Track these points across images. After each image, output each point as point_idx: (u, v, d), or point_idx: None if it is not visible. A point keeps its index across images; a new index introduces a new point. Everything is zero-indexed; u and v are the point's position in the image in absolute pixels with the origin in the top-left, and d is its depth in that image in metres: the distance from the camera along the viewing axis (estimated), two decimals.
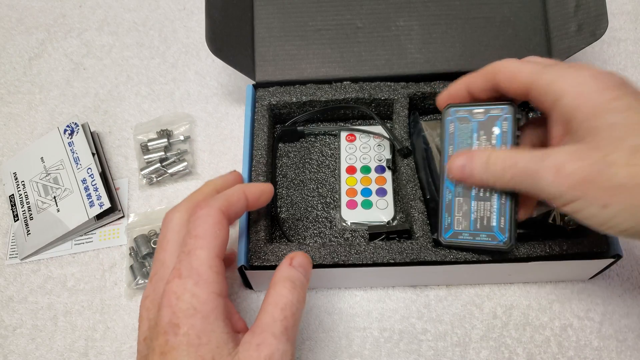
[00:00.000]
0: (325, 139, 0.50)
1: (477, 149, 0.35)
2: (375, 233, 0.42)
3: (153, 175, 0.50)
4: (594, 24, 0.46)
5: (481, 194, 0.35)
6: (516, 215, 0.34)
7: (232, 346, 0.28)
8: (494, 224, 0.35)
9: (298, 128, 0.49)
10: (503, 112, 0.34)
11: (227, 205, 0.32)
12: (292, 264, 0.32)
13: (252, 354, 0.27)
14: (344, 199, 0.45)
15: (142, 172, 0.50)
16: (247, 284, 0.42)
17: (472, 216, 0.35)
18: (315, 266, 0.38)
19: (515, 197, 0.34)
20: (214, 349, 0.27)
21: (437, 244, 0.39)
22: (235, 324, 0.30)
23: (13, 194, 0.50)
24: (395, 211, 0.44)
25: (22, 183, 0.50)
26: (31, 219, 0.48)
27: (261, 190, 0.35)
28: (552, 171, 0.28)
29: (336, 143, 0.49)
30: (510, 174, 0.31)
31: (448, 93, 0.37)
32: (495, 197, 0.34)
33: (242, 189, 0.34)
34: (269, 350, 0.28)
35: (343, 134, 0.49)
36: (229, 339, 0.28)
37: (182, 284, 0.28)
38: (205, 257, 0.29)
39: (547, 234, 0.39)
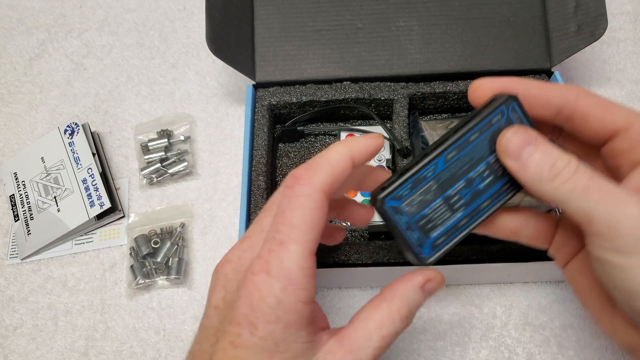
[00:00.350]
0: (325, 139, 0.50)
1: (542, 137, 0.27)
2: (375, 233, 0.42)
3: (153, 175, 0.50)
4: (593, 24, 0.46)
5: (455, 201, 0.29)
6: (457, 242, 0.29)
7: (311, 354, 0.25)
8: (433, 235, 0.29)
9: (298, 128, 0.49)
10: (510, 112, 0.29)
11: (332, 182, 0.26)
12: (424, 288, 0.28)
13: None
14: None
15: (143, 172, 0.50)
16: None
17: (424, 210, 0.28)
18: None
19: (475, 225, 0.29)
20: (291, 358, 0.24)
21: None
22: (319, 323, 0.28)
23: (13, 194, 0.50)
24: None
25: (23, 183, 0.50)
26: (31, 219, 0.48)
27: (372, 148, 0.28)
28: (633, 204, 0.23)
29: None
30: (578, 194, 0.24)
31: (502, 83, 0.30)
32: (459, 214, 0.29)
33: (349, 152, 0.27)
34: None
35: (343, 134, 0.49)
36: (309, 348, 0.25)
37: (268, 284, 0.24)
38: (299, 256, 0.24)
39: None
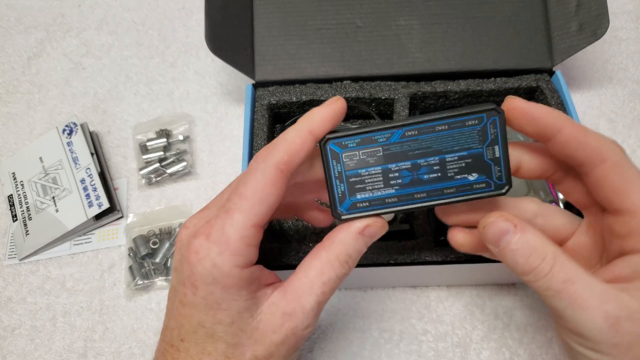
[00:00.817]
0: None
1: (521, 221, 0.27)
2: None
3: (152, 175, 0.49)
4: (595, 24, 0.46)
5: (392, 177, 0.28)
6: (377, 215, 0.28)
7: (255, 308, 0.27)
8: (358, 196, 0.28)
9: None
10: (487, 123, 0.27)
11: (288, 159, 0.26)
12: (364, 233, 0.28)
13: (276, 321, 0.27)
14: None
15: (141, 172, 0.50)
16: None
17: (360, 170, 0.28)
18: None
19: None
20: (234, 314, 0.26)
21: (438, 244, 0.39)
22: (263, 280, 0.28)
23: (12, 194, 0.49)
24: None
25: (21, 183, 0.49)
26: (30, 219, 0.47)
27: (330, 115, 0.28)
28: (606, 320, 0.24)
29: None
30: (551, 294, 0.25)
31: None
32: (390, 191, 0.28)
33: (307, 127, 0.27)
34: (294, 323, 0.26)
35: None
36: (252, 304, 0.27)
37: (206, 247, 0.26)
38: (241, 225, 0.26)
39: None
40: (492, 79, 0.47)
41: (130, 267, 0.45)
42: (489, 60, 0.47)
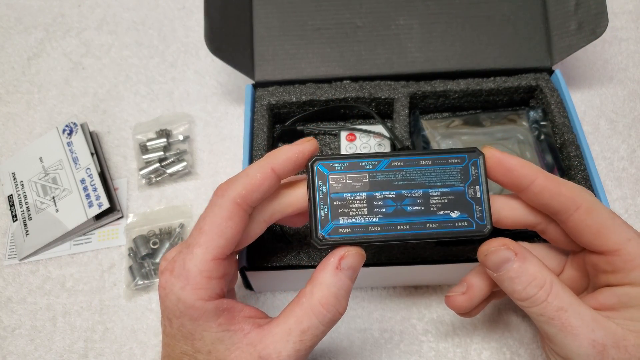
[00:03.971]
0: (326, 138, 0.49)
1: (522, 248, 0.28)
2: None
3: (152, 176, 0.49)
4: (594, 22, 0.46)
5: (377, 205, 0.28)
6: (358, 243, 0.29)
7: (230, 342, 0.27)
8: (341, 221, 0.28)
9: (298, 128, 0.48)
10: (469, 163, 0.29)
11: (245, 194, 0.27)
12: (341, 267, 0.27)
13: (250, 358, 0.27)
14: None
15: (141, 172, 0.50)
16: (248, 285, 0.42)
17: (345, 194, 0.28)
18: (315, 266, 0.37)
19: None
20: (209, 344, 0.27)
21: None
22: (239, 313, 0.28)
23: (12, 194, 0.49)
24: None
25: (21, 183, 0.49)
26: (30, 219, 0.47)
27: (296, 155, 0.28)
28: (594, 347, 0.26)
29: (336, 143, 0.49)
30: (544, 320, 0.27)
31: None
32: (374, 219, 0.28)
33: (269, 163, 0.28)
34: None
35: (343, 134, 0.48)
36: (227, 336, 0.27)
37: (170, 282, 0.27)
38: (200, 260, 0.27)
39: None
40: (492, 78, 0.47)
41: (130, 267, 0.45)
42: (489, 59, 0.47)
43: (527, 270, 0.27)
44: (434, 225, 0.28)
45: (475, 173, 0.28)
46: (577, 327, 0.26)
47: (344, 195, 0.28)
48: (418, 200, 0.28)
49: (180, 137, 0.52)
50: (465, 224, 0.28)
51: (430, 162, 0.28)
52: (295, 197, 0.29)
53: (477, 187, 0.28)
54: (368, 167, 0.28)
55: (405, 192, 0.28)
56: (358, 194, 0.28)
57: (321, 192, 0.28)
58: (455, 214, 0.28)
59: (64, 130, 0.51)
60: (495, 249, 0.27)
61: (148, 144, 0.51)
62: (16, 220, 0.48)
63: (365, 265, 0.38)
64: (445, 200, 0.28)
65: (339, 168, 0.28)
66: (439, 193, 0.28)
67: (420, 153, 0.28)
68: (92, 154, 0.49)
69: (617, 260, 0.27)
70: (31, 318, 0.44)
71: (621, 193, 0.47)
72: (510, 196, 0.31)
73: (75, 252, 0.47)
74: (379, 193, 0.28)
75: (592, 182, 0.41)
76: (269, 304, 0.43)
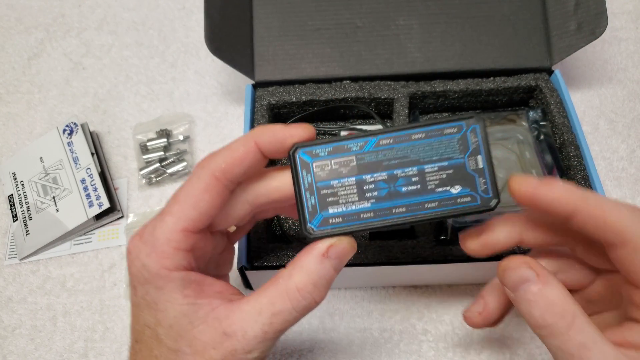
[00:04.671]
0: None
1: (545, 271, 0.25)
2: (375, 233, 0.42)
3: (152, 175, 0.49)
4: (593, 23, 0.46)
5: (368, 189, 0.26)
6: (351, 232, 0.26)
7: (195, 316, 0.25)
8: (331, 211, 0.26)
9: None
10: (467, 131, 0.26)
11: (225, 168, 0.26)
12: (328, 255, 0.25)
13: (216, 337, 0.25)
14: None
15: (142, 172, 0.50)
16: (248, 285, 0.42)
17: (332, 181, 0.26)
18: None
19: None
20: (171, 318, 0.25)
21: (440, 242, 0.39)
22: (210, 288, 0.27)
23: (12, 194, 0.49)
24: None
25: (21, 183, 0.50)
26: (30, 219, 0.48)
27: (285, 137, 0.26)
28: None
29: None
30: (561, 354, 0.24)
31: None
32: (366, 204, 0.26)
33: (253, 138, 0.26)
34: (232, 346, 0.25)
35: (343, 134, 0.49)
36: (192, 310, 0.25)
37: (137, 248, 0.26)
38: (169, 229, 0.25)
39: None
40: (491, 78, 0.47)
41: None
42: (488, 59, 0.47)
43: (548, 296, 0.24)
44: (433, 205, 0.26)
45: (476, 142, 0.25)
46: None
47: (331, 182, 0.26)
48: (413, 179, 0.26)
49: (181, 137, 0.52)
50: (469, 199, 0.25)
51: (424, 135, 0.25)
52: (283, 183, 0.27)
53: (479, 157, 0.25)
54: (354, 149, 0.26)
55: (398, 172, 0.26)
56: (346, 180, 0.26)
57: (306, 181, 0.26)
58: (456, 190, 0.25)
59: (64, 130, 0.51)
60: (515, 266, 0.25)
61: (148, 144, 0.51)
62: (16, 220, 0.48)
63: (365, 264, 0.38)
64: (444, 176, 0.25)
65: (322, 154, 0.26)
66: (436, 168, 0.25)
67: (411, 126, 0.25)
68: (92, 154, 0.49)
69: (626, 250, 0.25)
70: (31, 318, 0.44)
71: (620, 193, 0.47)
72: (531, 218, 0.28)
73: (75, 252, 0.47)
74: (369, 176, 0.26)
75: (591, 182, 0.41)
76: None
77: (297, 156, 0.26)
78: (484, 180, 0.25)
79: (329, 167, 0.26)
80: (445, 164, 0.25)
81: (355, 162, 0.26)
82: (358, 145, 0.26)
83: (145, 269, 0.25)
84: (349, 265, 0.38)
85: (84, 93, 0.56)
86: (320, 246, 0.26)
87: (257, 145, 0.26)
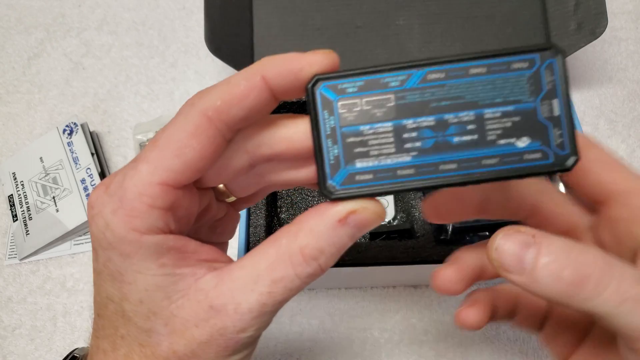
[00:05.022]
0: None
1: (535, 229, 0.19)
2: (375, 232, 0.42)
3: None
4: (593, 23, 0.46)
5: (408, 138, 0.20)
6: (383, 194, 0.20)
7: (173, 289, 0.20)
8: (358, 165, 0.20)
9: None
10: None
11: (220, 106, 0.20)
12: (347, 222, 0.20)
13: (200, 312, 0.20)
14: None
15: None
16: None
17: (362, 126, 0.20)
18: None
19: None
20: (142, 291, 0.20)
21: (439, 242, 0.39)
22: (194, 254, 0.21)
23: (12, 194, 0.49)
24: (396, 210, 0.44)
25: (21, 183, 0.50)
26: (30, 219, 0.48)
27: (302, 67, 0.20)
28: None
29: None
30: (628, 309, 0.18)
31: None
32: (405, 158, 0.20)
33: (260, 71, 0.20)
34: (221, 322, 0.20)
35: None
36: (170, 283, 0.20)
37: (100, 201, 0.20)
38: (142, 180, 0.19)
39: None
40: None
41: None
42: None
43: (563, 247, 0.19)
44: (493, 162, 0.20)
45: (552, 81, 0.20)
46: None
47: (361, 128, 0.20)
48: (468, 127, 0.20)
49: None
50: (539, 155, 0.19)
51: (485, 69, 0.19)
52: (293, 130, 0.21)
53: (555, 102, 0.20)
54: (393, 84, 0.20)
55: (450, 117, 0.20)
56: (381, 125, 0.20)
57: (328, 126, 0.20)
58: (523, 143, 0.20)
59: (64, 130, 0.51)
60: (504, 236, 0.19)
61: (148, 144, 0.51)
62: (16, 220, 0.48)
63: (366, 264, 0.38)
64: (509, 124, 0.20)
65: (351, 90, 0.20)
66: (498, 114, 0.20)
67: (469, 57, 0.19)
68: (92, 154, 0.49)
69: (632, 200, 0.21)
70: (31, 318, 0.44)
71: None
72: (501, 290, 0.25)
73: (75, 252, 0.47)
74: (410, 121, 0.20)
75: None
76: None
77: (318, 92, 0.20)
78: (559, 132, 0.20)
79: (359, 108, 0.20)
80: (510, 108, 0.20)
81: (393, 102, 0.20)
82: (398, 79, 0.20)
83: (108, 230, 0.19)
84: (349, 265, 0.38)
85: (84, 93, 0.56)
86: (339, 209, 0.20)
87: (264, 80, 0.20)
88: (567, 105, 0.19)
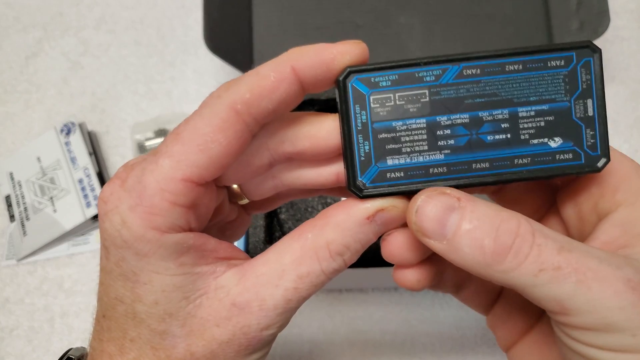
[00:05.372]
0: None
1: (461, 192, 0.19)
2: None
3: None
4: (595, 22, 0.46)
5: (442, 135, 0.19)
6: (414, 192, 0.20)
7: (191, 288, 0.19)
8: (390, 162, 0.20)
9: None
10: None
11: (250, 99, 0.19)
12: (374, 219, 0.19)
13: (222, 311, 0.19)
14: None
15: None
16: None
17: (396, 122, 0.20)
18: None
19: None
20: (158, 292, 0.19)
21: None
22: (212, 252, 0.20)
23: (9, 194, 0.49)
24: None
25: (19, 183, 0.49)
26: (27, 219, 0.47)
27: (334, 59, 0.19)
28: (630, 287, 0.17)
29: None
30: (547, 279, 0.17)
31: None
32: (438, 156, 0.20)
33: (290, 62, 0.20)
34: (245, 320, 0.19)
35: None
36: (187, 282, 0.19)
37: (116, 196, 0.19)
38: (164, 175, 0.18)
39: None
40: None
41: None
42: None
43: (487, 213, 0.18)
44: (525, 161, 0.19)
45: (588, 80, 0.19)
46: (598, 269, 0.17)
47: (393, 123, 0.19)
48: (502, 126, 0.19)
49: None
50: (570, 155, 0.19)
51: (521, 66, 0.19)
52: (318, 128, 0.20)
53: (589, 102, 0.19)
54: (428, 79, 0.19)
55: (484, 114, 0.19)
56: (414, 121, 0.19)
57: (359, 121, 0.20)
58: (555, 143, 0.19)
59: (62, 130, 0.50)
60: (425, 198, 0.18)
61: (146, 143, 0.51)
62: (14, 220, 0.48)
63: (366, 265, 0.38)
64: (542, 123, 0.19)
65: (384, 83, 0.19)
66: (532, 113, 0.19)
67: (505, 53, 0.19)
68: (90, 154, 0.49)
69: (611, 179, 0.20)
70: (29, 319, 0.43)
71: None
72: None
73: (73, 253, 0.46)
74: (445, 118, 0.19)
75: None
76: None
77: (350, 85, 0.20)
78: (592, 133, 0.19)
79: (392, 103, 0.20)
80: (545, 107, 0.19)
81: (428, 98, 0.19)
82: (433, 74, 0.19)
83: (124, 227, 0.18)
84: (349, 266, 0.38)
85: (82, 92, 0.56)
86: (368, 207, 0.19)
87: (294, 71, 0.19)
88: (603, 106, 0.19)
